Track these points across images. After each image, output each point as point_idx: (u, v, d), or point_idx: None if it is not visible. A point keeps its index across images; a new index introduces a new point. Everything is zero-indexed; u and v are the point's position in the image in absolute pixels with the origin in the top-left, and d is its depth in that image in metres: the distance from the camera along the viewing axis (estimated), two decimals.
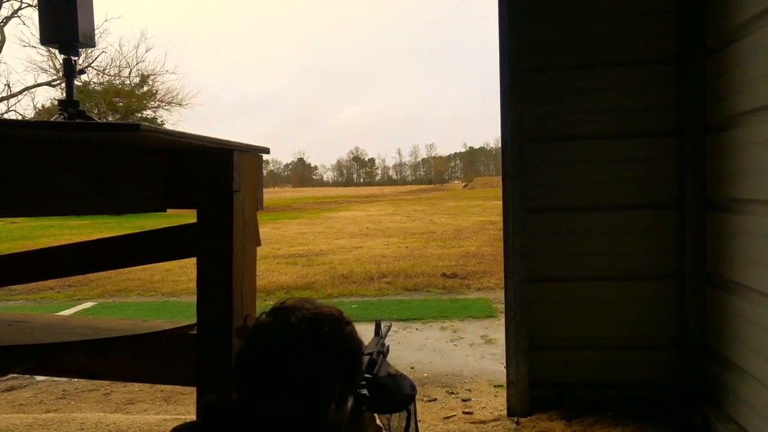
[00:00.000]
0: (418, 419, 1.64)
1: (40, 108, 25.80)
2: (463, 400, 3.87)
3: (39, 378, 4.57)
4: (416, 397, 1.57)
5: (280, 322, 1.20)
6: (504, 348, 3.53)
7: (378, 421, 1.48)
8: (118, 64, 26.58)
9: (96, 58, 24.84)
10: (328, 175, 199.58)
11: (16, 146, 1.53)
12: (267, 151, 2.17)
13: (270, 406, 1.16)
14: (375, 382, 1.45)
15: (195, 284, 1.98)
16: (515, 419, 3.32)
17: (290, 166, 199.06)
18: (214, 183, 1.89)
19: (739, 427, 2.85)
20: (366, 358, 1.43)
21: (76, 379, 4.46)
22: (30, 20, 22.80)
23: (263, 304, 1.56)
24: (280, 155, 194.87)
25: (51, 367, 2.51)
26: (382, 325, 1.79)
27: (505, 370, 3.53)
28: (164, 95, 29.02)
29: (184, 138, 1.70)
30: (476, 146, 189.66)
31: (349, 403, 1.32)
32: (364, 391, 1.39)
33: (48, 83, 24.64)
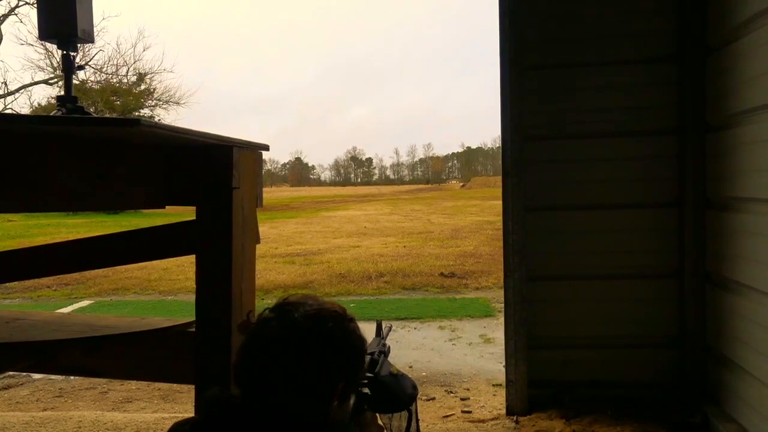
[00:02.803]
0: (418, 419, 1.63)
1: (37, 106, 25.71)
2: (462, 399, 3.87)
3: (36, 376, 4.55)
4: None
5: (284, 317, 1.19)
6: (503, 347, 3.52)
7: (379, 421, 1.47)
8: (115, 63, 26.53)
9: (93, 57, 24.78)
10: (326, 175, 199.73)
11: (14, 141, 1.51)
12: (266, 148, 2.15)
13: (272, 403, 1.15)
14: (377, 382, 1.44)
15: (192, 283, 1.97)
16: (514, 418, 3.31)
17: (288, 166, 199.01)
18: (213, 180, 1.88)
19: (738, 426, 2.84)
20: (368, 358, 1.42)
21: (73, 378, 4.45)
22: (27, 18, 22.71)
23: (261, 303, 1.55)
24: (277, 155, 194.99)
25: (48, 365, 2.49)
26: (383, 325, 1.78)
27: (503, 370, 3.53)
28: (162, 94, 28.98)
29: (183, 134, 1.68)
30: (474, 146, 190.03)
31: (351, 401, 1.31)
32: (366, 390, 1.38)
33: (45, 81, 24.54)
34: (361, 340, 1.27)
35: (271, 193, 63.55)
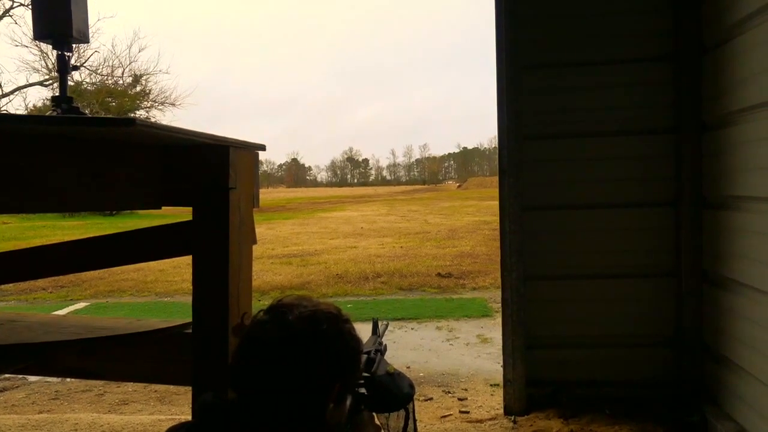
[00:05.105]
0: (416, 419, 1.63)
1: (32, 108, 25.63)
2: (460, 399, 3.86)
3: (31, 378, 4.53)
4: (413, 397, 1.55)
5: (278, 319, 1.18)
6: (500, 347, 3.52)
7: (376, 420, 1.46)
8: (110, 64, 26.49)
9: (88, 58, 24.74)
10: (322, 176, 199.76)
11: (8, 141, 1.50)
12: (263, 148, 2.15)
13: (266, 406, 1.14)
14: (373, 381, 1.44)
15: (189, 284, 1.96)
16: (512, 418, 3.31)
17: (284, 167, 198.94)
18: (209, 180, 1.87)
19: (736, 425, 2.84)
20: (364, 357, 1.42)
21: (69, 380, 4.43)
22: (22, 19, 22.70)
23: (258, 304, 1.54)
24: (274, 156, 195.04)
25: (44, 367, 2.48)
26: (380, 323, 1.77)
27: (501, 369, 3.52)
28: (157, 95, 28.93)
29: (179, 134, 1.67)
30: (470, 146, 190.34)
31: (348, 402, 1.30)
32: (363, 390, 1.37)
33: (40, 83, 24.50)
34: (357, 341, 1.26)
35: (267, 194, 63.53)
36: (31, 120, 1.77)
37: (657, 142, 3.32)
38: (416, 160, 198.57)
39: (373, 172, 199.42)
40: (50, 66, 23.14)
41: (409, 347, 5.24)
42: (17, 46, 27.77)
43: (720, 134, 3.01)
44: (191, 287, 1.94)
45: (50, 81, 23.63)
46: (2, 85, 24.21)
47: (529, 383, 3.37)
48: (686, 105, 3.23)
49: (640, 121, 3.33)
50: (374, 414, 1.45)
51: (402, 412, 1.54)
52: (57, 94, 2.07)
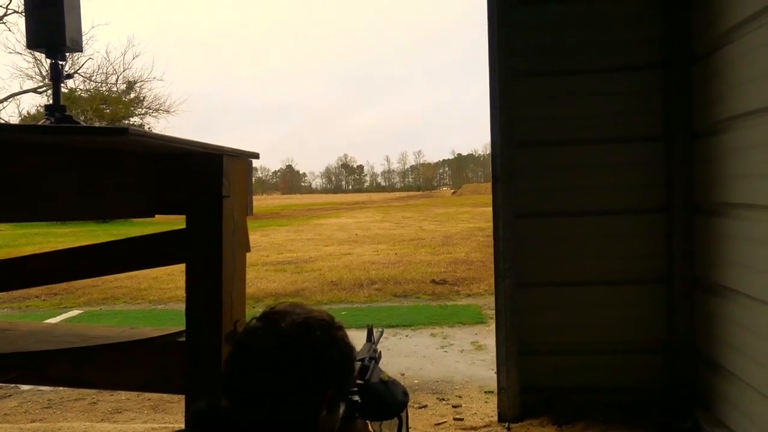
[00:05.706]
0: (409, 426, 1.63)
1: (26, 115, 25.57)
2: (454, 407, 3.86)
3: (24, 387, 4.50)
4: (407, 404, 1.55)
5: (270, 326, 1.19)
6: (494, 354, 3.53)
7: (370, 428, 1.46)
8: (104, 71, 26.46)
9: (82, 65, 24.71)
10: (317, 182, 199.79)
11: (2, 151, 1.50)
12: (257, 156, 2.16)
13: (259, 413, 1.14)
14: (367, 389, 1.44)
15: (183, 292, 1.96)
16: (506, 425, 3.31)
17: (278, 173, 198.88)
18: (203, 188, 1.88)
19: (728, 431, 2.86)
20: (358, 365, 1.42)
21: (61, 389, 4.40)
22: (15, 26, 22.62)
23: (252, 312, 1.54)
24: (268, 162, 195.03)
25: (37, 376, 2.47)
26: (375, 330, 1.78)
27: (495, 376, 3.53)
28: (151, 102, 28.91)
29: (172, 142, 1.68)
30: (464, 153, 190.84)
31: (341, 409, 1.30)
32: (356, 398, 1.37)
33: (34, 90, 24.43)
34: (350, 347, 1.26)
35: (261, 201, 63.44)
36: (24, 129, 1.77)
37: (648, 150, 3.34)
38: (411, 166, 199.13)
39: (367, 178, 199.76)
40: (44, 73, 23.08)
41: (403, 354, 5.24)
42: (11, 53, 27.69)
43: (710, 141, 3.04)
44: (185, 295, 1.94)
45: (44, 88, 23.57)
46: None
47: (523, 390, 3.37)
48: (677, 112, 3.25)
49: (631, 129, 3.36)
50: (368, 422, 1.46)
51: (395, 420, 1.54)
52: (50, 102, 2.08)
